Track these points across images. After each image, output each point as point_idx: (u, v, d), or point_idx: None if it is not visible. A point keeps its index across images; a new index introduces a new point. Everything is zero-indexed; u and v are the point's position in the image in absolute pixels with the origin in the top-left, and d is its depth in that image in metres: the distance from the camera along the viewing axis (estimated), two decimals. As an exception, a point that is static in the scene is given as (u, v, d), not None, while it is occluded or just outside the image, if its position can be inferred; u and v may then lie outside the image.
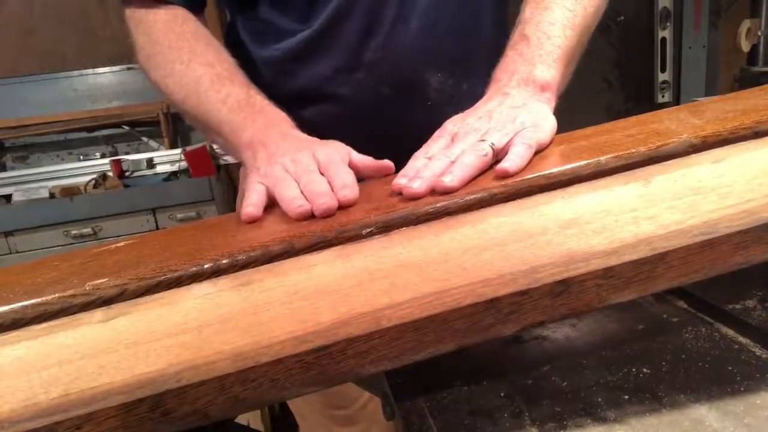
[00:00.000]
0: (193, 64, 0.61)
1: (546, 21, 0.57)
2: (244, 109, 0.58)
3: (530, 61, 0.55)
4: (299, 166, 0.51)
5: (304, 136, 0.57)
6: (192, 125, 0.65)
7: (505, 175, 0.43)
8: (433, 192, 0.44)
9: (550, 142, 0.50)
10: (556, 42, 0.56)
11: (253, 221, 0.48)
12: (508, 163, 0.44)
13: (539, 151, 0.48)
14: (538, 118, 0.50)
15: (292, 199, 0.47)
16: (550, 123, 0.51)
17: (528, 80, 0.54)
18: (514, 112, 0.51)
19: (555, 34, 0.56)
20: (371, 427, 0.76)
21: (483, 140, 0.47)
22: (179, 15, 0.65)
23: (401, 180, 0.45)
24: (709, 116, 0.47)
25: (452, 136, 0.51)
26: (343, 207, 0.46)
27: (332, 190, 0.47)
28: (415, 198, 0.43)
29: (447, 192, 0.43)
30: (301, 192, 0.48)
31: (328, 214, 0.45)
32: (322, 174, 0.50)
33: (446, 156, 0.47)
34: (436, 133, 0.53)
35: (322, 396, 0.76)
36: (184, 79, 0.61)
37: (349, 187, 0.47)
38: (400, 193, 0.44)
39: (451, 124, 0.52)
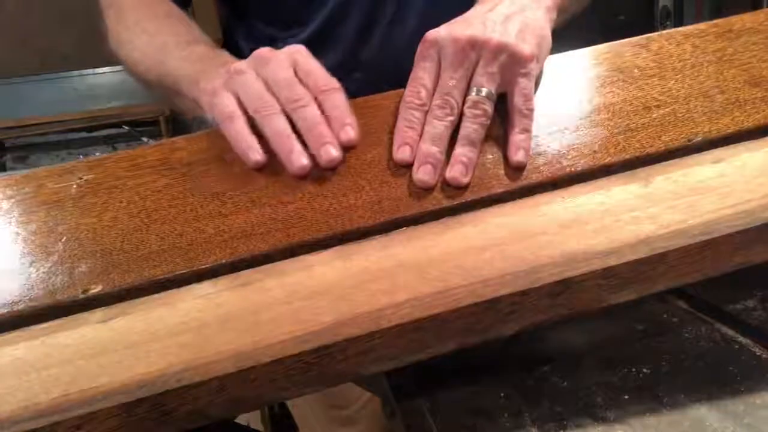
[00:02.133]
0: (159, 35, 0.58)
1: None
2: (204, 60, 0.53)
3: None
4: (274, 72, 0.44)
5: None
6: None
7: (520, 167, 0.42)
8: (445, 183, 0.42)
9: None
10: None
11: (263, 166, 0.43)
12: (521, 153, 0.42)
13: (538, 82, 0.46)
14: (533, 34, 0.44)
15: (285, 143, 0.42)
16: (545, 32, 0.46)
17: None
18: (503, 25, 0.44)
19: None
20: (371, 427, 0.76)
21: (479, 88, 0.43)
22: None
23: (405, 153, 0.43)
24: (722, 100, 0.46)
25: (438, 57, 0.45)
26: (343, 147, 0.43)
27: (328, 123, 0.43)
28: (426, 188, 0.42)
29: (460, 186, 0.42)
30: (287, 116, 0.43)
31: (333, 165, 0.42)
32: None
33: (446, 114, 0.43)
34: (420, 56, 0.46)
35: (322, 396, 0.76)
36: (149, 48, 0.58)
37: (350, 124, 0.44)
38: (405, 166, 0.43)
39: (437, 41, 0.46)
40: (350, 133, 0.43)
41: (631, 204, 0.40)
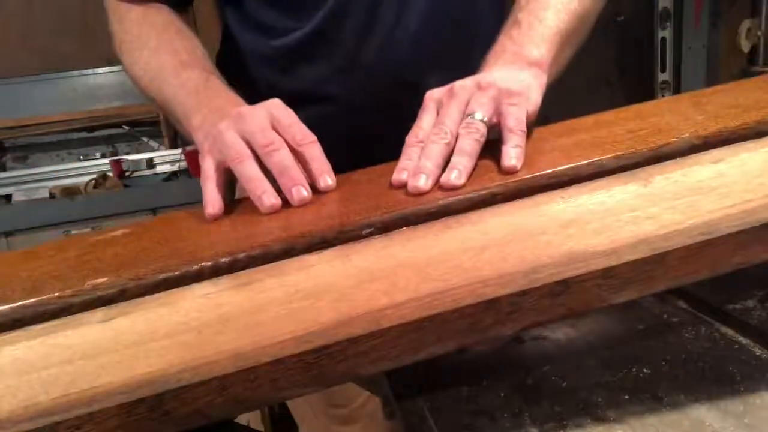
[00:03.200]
0: (159, 51, 0.61)
1: (539, 6, 0.57)
2: (199, 92, 0.57)
3: (519, 43, 0.54)
4: (251, 126, 0.48)
5: None
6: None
7: (513, 171, 0.43)
8: (440, 188, 0.43)
9: (537, 111, 0.49)
10: (549, 24, 0.55)
11: (218, 218, 0.47)
12: (513, 160, 0.43)
13: (528, 125, 0.48)
14: (521, 85, 0.49)
15: (256, 186, 0.46)
16: (533, 89, 0.50)
17: (516, 58, 0.53)
18: (492, 75, 0.50)
19: (548, 17, 0.56)
20: (370, 426, 0.76)
21: (472, 114, 0.47)
22: (154, 7, 0.65)
23: (402, 175, 0.45)
24: (711, 111, 0.47)
25: (437, 107, 0.50)
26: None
27: (302, 167, 0.46)
28: (420, 194, 0.43)
29: (455, 189, 0.42)
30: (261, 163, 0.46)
31: (304, 203, 0.45)
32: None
33: (440, 138, 0.46)
34: (421, 109, 0.51)
35: (322, 395, 0.76)
36: (149, 65, 0.61)
37: (328, 172, 0.47)
38: (401, 187, 0.44)
39: (433, 95, 0.51)
40: (329, 180, 0.47)
41: (631, 204, 0.40)
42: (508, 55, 0.54)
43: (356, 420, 0.77)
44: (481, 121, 0.46)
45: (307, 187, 0.46)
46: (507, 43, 0.55)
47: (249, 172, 0.46)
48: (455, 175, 0.43)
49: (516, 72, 0.52)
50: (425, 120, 0.50)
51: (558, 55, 0.56)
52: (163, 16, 0.64)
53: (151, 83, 0.61)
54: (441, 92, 0.50)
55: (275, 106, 0.50)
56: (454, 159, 0.44)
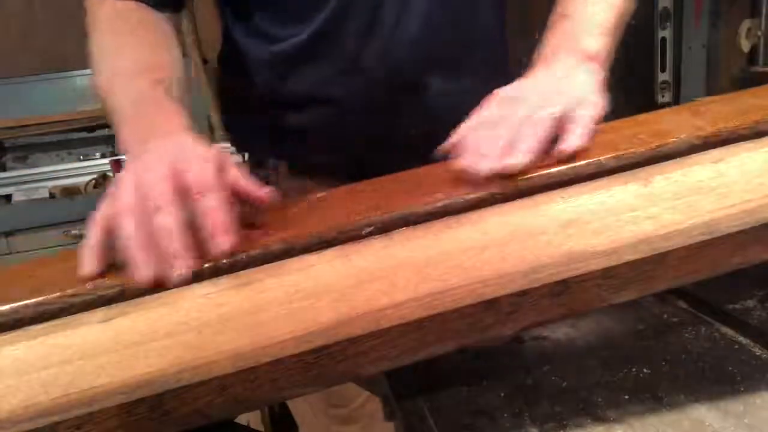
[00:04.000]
0: (119, 58, 0.57)
1: (588, 1, 0.55)
2: (139, 103, 0.51)
3: (574, 36, 0.53)
4: (149, 170, 0.40)
5: (190, 137, 0.45)
6: None
7: (565, 156, 0.42)
8: (501, 172, 0.41)
9: (599, 118, 0.47)
10: (600, 17, 0.54)
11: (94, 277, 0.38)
12: (567, 144, 0.42)
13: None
14: (585, 92, 0.47)
15: (130, 254, 0.37)
16: (598, 96, 0.48)
17: (573, 50, 0.52)
18: (558, 84, 0.48)
19: (597, 12, 0.55)
20: (370, 426, 0.76)
21: (541, 109, 0.44)
22: (128, 8, 0.60)
23: (465, 159, 0.42)
24: (709, 117, 0.47)
25: (499, 108, 0.47)
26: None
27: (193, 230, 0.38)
28: (481, 179, 0.41)
29: (513, 172, 0.41)
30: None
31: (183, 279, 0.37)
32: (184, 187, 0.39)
33: (505, 127, 0.44)
34: (484, 106, 0.48)
35: (321, 395, 0.76)
36: (106, 72, 0.57)
37: (222, 233, 0.38)
38: (463, 173, 0.42)
39: (497, 98, 0.48)
40: (223, 245, 0.38)
41: (631, 204, 0.40)
42: (564, 49, 0.52)
43: (356, 420, 0.76)
44: (549, 115, 0.44)
45: (189, 263, 0.37)
46: (560, 37, 0.54)
47: (126, 232, 0.38)
48: (518, 159, 0.41)
49: (575, 70, 0.50)
50: (488, 113, 0.47)
51: (611, 51, 0.54)
52: (135, 19, 0.60)
53: (108, 93, 0.55)
54: (504, 98, 0.48)
55: (180, 145, 0.42)
56: (517, 143, 0.42)
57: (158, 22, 0.62)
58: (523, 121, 0.44)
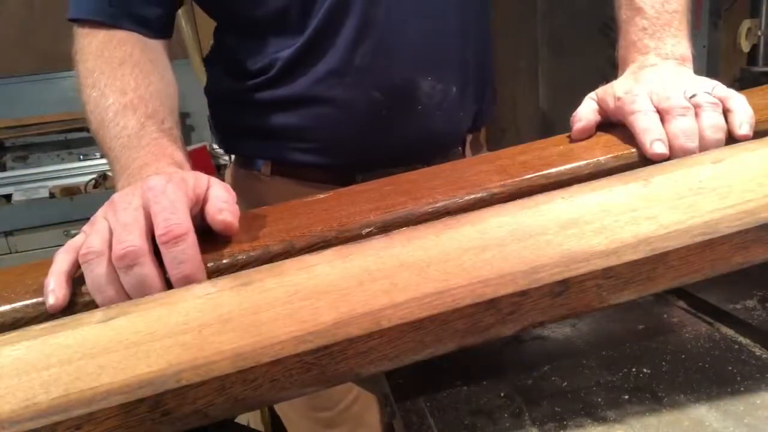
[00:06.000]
0: (106, 91, 0.56)
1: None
2: (130, 147, 0.51)
3: (657, 37, 0.53)
4: (119, 215, 0.41)
5: (176, 177, 0.44)
6: None
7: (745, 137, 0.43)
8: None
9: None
10: (671, 7, 0.54)
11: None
12: (744, 127, 0.44)
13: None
14: (703, 79, 0.48)
15: (97, 298, 0.39)
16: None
17: (666, 56, 0.52)
18: (683, 73, 0.49)
19: (670, 1, 0.54)
20: (355, 429, 0.76)
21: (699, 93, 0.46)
22: (118, 37, 0.60)
23: (658, 148, 0.44)
24: None
25: (650, 100, 0.48)
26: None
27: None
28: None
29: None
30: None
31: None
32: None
33: (683, 113, 0.45)
34: (630, 101, 0.48)
35: (306, 398, 0.75)
36: (96, 107, 0.56)
37: (186, 262, 0.39)
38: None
39: (637, 94, 0.48)
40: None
41: (631, 204, 0.40)
42: (655, 53, 0.53)
43: (341, 423, 0.76)
44: (709, 92, 0.46)
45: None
46: (644, 37, 0.54)
47: (99, 280, 0.39)
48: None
49: (681, 68, 0.51)
50: (647, 104, 0.47)
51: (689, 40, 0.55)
52: (124, 49, 0.59)
53: (98, 129, 0.56)
54: (644, 91, 0.48)
55: (151, 189, 0.42)
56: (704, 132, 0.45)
57: (148, 49, 0.61)
58: (693, 105, 0.45)
